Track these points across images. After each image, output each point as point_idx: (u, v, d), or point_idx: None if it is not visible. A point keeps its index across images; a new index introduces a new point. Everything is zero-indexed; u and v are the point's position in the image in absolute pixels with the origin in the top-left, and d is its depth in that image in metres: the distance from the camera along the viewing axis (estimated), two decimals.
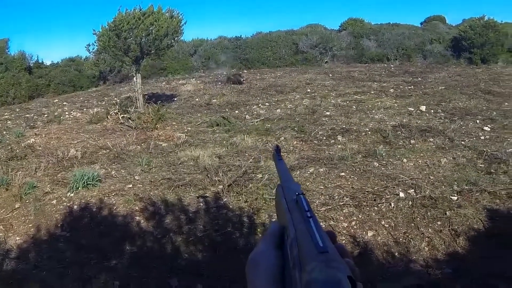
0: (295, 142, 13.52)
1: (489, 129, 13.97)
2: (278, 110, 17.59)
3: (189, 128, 15.92)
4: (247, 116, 17.16)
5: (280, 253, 1.06)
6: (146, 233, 9.63)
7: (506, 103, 16.94)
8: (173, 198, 10.63)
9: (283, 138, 13.95)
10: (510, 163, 11.32)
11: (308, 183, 10.78)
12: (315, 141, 13.45)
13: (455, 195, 10.14)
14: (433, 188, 10.40)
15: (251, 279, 1.03)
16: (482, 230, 9.26)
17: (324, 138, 13.72)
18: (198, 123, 16.60)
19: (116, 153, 13.42)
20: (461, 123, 14.68)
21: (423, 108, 16.47)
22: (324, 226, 9.09)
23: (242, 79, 22.10)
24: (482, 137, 13.28)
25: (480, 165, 11.43)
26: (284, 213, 1.13)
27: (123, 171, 12.26)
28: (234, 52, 33.22)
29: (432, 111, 16.22)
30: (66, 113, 19.46)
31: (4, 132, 16.33)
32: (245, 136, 14.24)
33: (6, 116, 19.56)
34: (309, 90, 21.04)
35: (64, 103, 22.07)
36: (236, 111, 17.95)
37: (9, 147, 14.44)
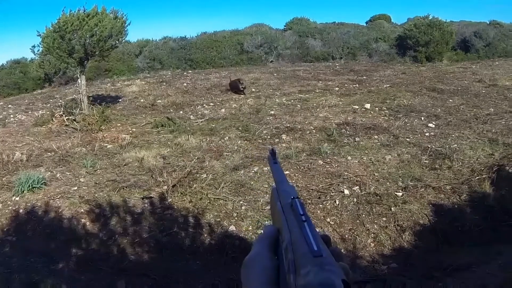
0: (239, 142, 13.42)
1: (433, 126, 14.04)
2: (223, 110, 17.45)
3: (134, 129, 15.72)
4: (191, 116, 16.98)
5: (274, 256, 1.06)
6: (92, 236, 9.52)
7: (451, 100, 17.07)
8: (118, 199, 10.48)
9: (227, 137, 13.84)
10: (454, 158, 11.39)
11: (252, 182, 10.72)
12: (260, 140, 13.37)
13: (400, 191, 10.17)
14: (378, 184, 10.43)
15: (246, 282, 1.02)
16: (427, 225, 9.32)
17: (269, 137, 13.65)
18: (143, 124, 16.37)
19: (61, 155, 13.16)
20: (406, 120, 14.74)
21: (367, 106, 16.48)
22: (268, 224, 9.03)
23: (242, 87, 20.03)
24: (427, 134, 13.34)
25: (425, 161, 11.49)
26: (279, 216, 1.12)
27: (68, 173, 12.02)
28: (179, 53, 33.06)
29: (377, 108, 16.25)
30: (11, 116, 19.03)
31: None
32: (189, 136, 14.11)
33: None
34: (253, 90, 20.93)
35: (9, 105, 21.64)
36: (181, 112, 17.75)
37: None
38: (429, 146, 12.26)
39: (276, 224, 1.15)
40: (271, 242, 1.09)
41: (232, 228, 9.36)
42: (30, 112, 19.32)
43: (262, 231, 1.07)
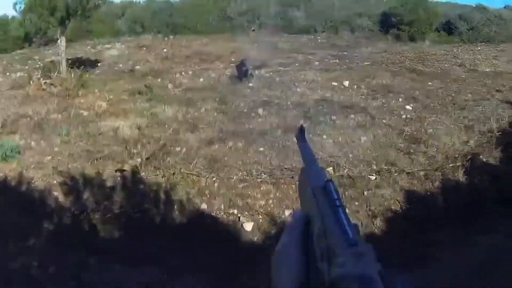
0: (215, 114, 13.34)
1: (411, 108, 14.02)
2: (201, 80, 17.34)
3: (111, 97, 15.52)
4: (169, 85, 16.84)
5: (304, 245, 1.00)
6: (64, 210, 9.43)
7: (430, 83, 17.02)
8: (91, 171, 10.39)
9: (204, 109, 13.73)
10: (429, 144, 11.37)
11: (226, 158, 10.70)
12: (236, 114, 13.27)
13: (374, 174, 10.18)
14: (352, 166, 10.42)
15: (277, 270, 1.00)
16: (399, 211, 9.31)
17: (245, 110, 13.55)
18: (120, 91, 16.18)
19: (37, 122, 12.99)
20: (384, 100, 14.70)
21: (346, 83, 16.42)
22: (241, 204, 8.99)
23: (249, 71, 17.39)
24: (404, 116, 13.33)
25: (400, 145, 11.49)
26: (309, 200, 1.04)
27: (43, 142, 11.91)
28: (161, 16, 32.71)
29: (355, 86, 16.20)
30: None
31: None
32: (166, 106, 13.98)
33: None
34: (233, 59, 20.73)
35: None
36: (159, 79, 17.58)
37: None
38: (405, 129, 12.24)
39: (305, 208, 1.08)
40: (302, 230, 1.02)
41: (203, 206, 9.31)
42: (7, 74, 19.08)
43: (291, 217, 0.94)
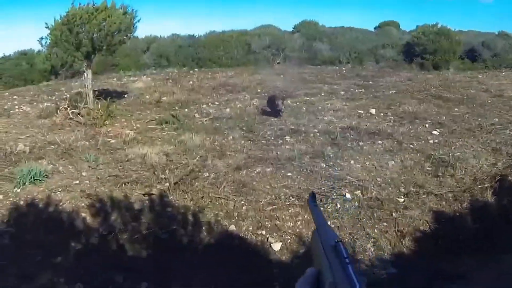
0: (243, 142, 13.39)
1: (437, 133, 14.00)
2: (228, 110, 17.41)
3: (138, 126, 15.66)
4: (196, 114, 16.93)
5: None
6: (92, 230, 9.51)
7: (456, 109, 17.00)
8: (119, 195, 10.46)
9: (231, 137, 13.81)
10: (457, 166, 11.33)
11: (254, 183, 10.70)
12: (263, 141, 13.34)
13: (402, 197, 10.17)
14: (380, 189, 10.40)
15: None
16: (428, 231, 9.30)
17: (272, 138, 13.62)
18: (147, 120, 16.30)
19: (64, 148, 13.09)
20: (410, 126, 14.69)
21: (372, 111, 16.45)
22: (269, 225, 9.03)
23: (280, 108, 16.09)
24: (431, 141, 13.31)
25: (428, 168, 11.46)
26: (320, 257, 1.16)
27: (70, 167, 11.99)
28: (186, 51, 32.93)
29: (382, 114, 16.21)
30: (16, 107, 18.94)
31: None
32: (193, 134, 14.01)
33: None
34: (259, 90, 20.98)
35: (15, 96, 21.53)
36: (186, 110, 17.69)
37: None
38: (432, 153, 12.20)
39: (316, 265, 1.19)
40: (312, 284, 1.13)
41: (232, 227, 9.35)
42: (35, 104, 19.27)
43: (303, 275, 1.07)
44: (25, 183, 10.85)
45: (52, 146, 13.38)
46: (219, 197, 10.15)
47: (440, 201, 10.06)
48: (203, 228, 9.38)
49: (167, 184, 10.65)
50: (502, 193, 10.24)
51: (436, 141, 13.34)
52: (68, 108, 16.21)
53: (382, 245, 8.89)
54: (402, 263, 8.49)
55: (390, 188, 10.49)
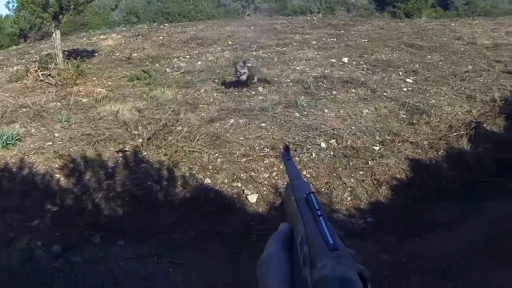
0: (215, 94, 13.25)
1: (411, 81, 13.91)
2: (199, 63, 17.23)
3: (110, 83, 15.51)
4: (167, 69, 16.79)
5: (289, 254, 1.05)
6: (67, 191, 9.51)
7: (429, 56, 16.93)
8: (92, 154, 10.43)
9: (203, 90, 13.67)
10: (432, 114, 11.30)
11: (228, 135, 10.61)
12: (236, 93, 13.19)
13: (377, 145, 10.12)
14: (355, 138, 10.34)
15: (263, 281, 1.02)
16: (404, 179, 9.30)
17: (245, 89, 13.46)
18: (119, 77, 16.14)
19: (36, 111, 12.97)
20: (384, 75, 14.60)
21: (345, 59, 16.32)
22: (244, 177, 8.95)
23: (240, 73, 13.40)
24: (405, 89, 13.23)
25: (402, 116, 11.42)
26: (293, 211, 1.11)
27: (43, 128, 11.90)
28: (155, 6, 32.62)
29: (355, 62, 16.10)
30: None
31: None
32: (165, 89, 13.88)
33: None
34: (230, 43, 20.74)
35: None
36: (157, 65, 17.54)
37: None
38: (406, 101, 12.15)
39: (289, 220, 1.14)
40: (286, 240, 1.08)
41: (207, 180, 9.30)
42: (4, 68, 18.98)
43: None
44: None
45: (24, 109, 13.26)
46: (193, 151, 10.08)
47: (416, 149, 10.05)
48: (178, 182, 9.35)
49: (140, 140, 10.58)
50: (478, 141, 10.23)
51: (410, 88, 13.28)
52: (38, 70, 16.06)
53: (359, 194, 8.89)
54: (380, 212, 8.48)
55: (365, 137, 10.43)
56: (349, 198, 8.82)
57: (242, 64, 13.16)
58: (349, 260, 0.85)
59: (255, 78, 13.75)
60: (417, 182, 9.15)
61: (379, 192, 8.95)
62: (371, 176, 9.23)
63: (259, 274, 1.03)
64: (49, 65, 16.01)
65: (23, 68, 17.68)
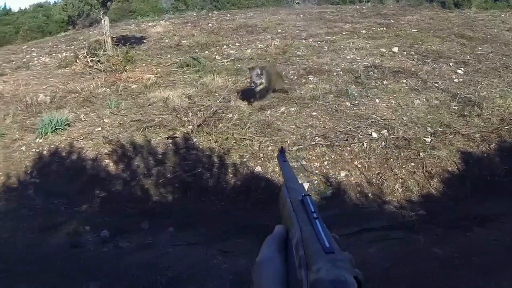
0: None
1: (462, 72, 13.75)
2: (249, 50, 17.24)
3: (159, 70, 15.59)
4: (217, 56, 16.81)
5: (284, 256, 1.07)
6: (116, 177, 9.58)
7: (480, 48, 16.68)
8: (142, 140, 10.49)
9: None
10: (484, 106, 11.16)
11: (279, 123, 10.59)
12: (286, 81, 13.10)
13: (429, 136, 10.03)
14: (407, 129, 10.26)
15: (258, 283, 1.03)
16: (456, 172, 9.20)
17: (295, 77, 13.45)
18: (168, 64, 16.22)
19: (85, 96, 13.12)
20: (434, 65, 14.43)
21: (395, 49, 16.18)
22: (295, 166, 8.94)
23: (254, 82, 11.44)
24: (456, 80, 13.08)
25: (454, 108, 11.29)
26: (288, 213, 1.13)
27: (92, 114, 12.02)
28: None
29: (405, 52, 15.93)
30: (35, 59, 18.91)
31: None
32: (215, 76, 13.93)
33: None
34: (280, 31, 20.65)
35: (33, 49, 21.43)
36: (206, 52, 17.55)
37: None
38: (458, 92, 12.00)
39: (285, 222, 1.16)
40: (281, 242, 1.10)
41: (258, 169, 9.30)
42: (53, 54, 19.18)
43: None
44: (47, 133, 10.97)
45: (73, 95, 13.42)
46: (244, 138, 10.09)
47: (468, 142, 9.94)
48: (229, 170, 9.35)
49: (191, 126, 10.58)
50: None
51: (461, 80, 13.12)
52: (87, 56, 16.20)
53: (410, 186, 8.83)
54: (431, 204, 8.42)
55: (416, 128, 10.35)
56: (400, 190, 8.76)
57: (259, 72, 11.20)
58: (345, 263, 0.88)
59: (275, 88, 12.16)
60: (468, 176, 9.05)
61: (430, 185, 8.88)
62: (423, 168, 9.15)
63: (254, 276, 1.05)
64: (98, 52, 16.17)
65: (72, 54, 17.85)
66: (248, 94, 11.98)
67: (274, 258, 1.05)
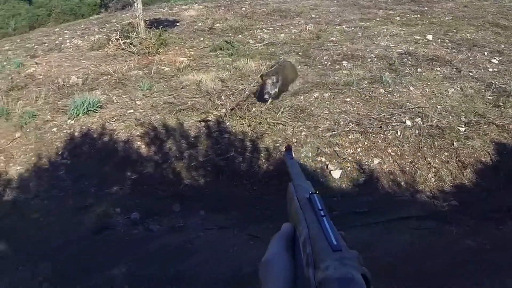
0: (299, 67, 13.15)
1: (497, 62, 13.61)
2: (282, 35, 17.12)
3: (192, 53, 15.52)
4: (250, 40, 16.74)
5: (291, 254, 1.08)
6: (147, 159, 9.63)
7: None
8: (174, 122, 10.50)
9: None
10: None
11: (313, 108, 10.57)
12: (320, 66, 13.10)
13: (463, 126, 9.96)
14: (440, 118, 10.20)
15: (265, 281, 1.05)
16: (490, 163, 9.12)
17: (329, 63, 13.37)
18: (201, 47, 16.15)
19: (118, 78, 13.15)
20: (469, 54, 14.28)
21: (429, 37, 16.05)
22: (329, 152, 8.94)
23: (267, 92, 11.40)
24: (490, 69, 12.95)
25: (488, 97, 11.18)
26: (296, 211, 1.14)
27: (124, 96, 12.07)
28: None
29: (439, 40, 15.80)
30: (67, 41, 18.84)
31: (5, 63, 15.83)
32: (248, 60, 13.89)
33: (7, 47, 18.99)
34: (313, 16, 20.43)
35: (65, 31, 21.37)
36: (240, 36, 17.48)
37: (10, 77, 14.06)
38: (492, 82, 11.87)
39: (292, 219, 1.17)
40: (288, 240, 1.11)
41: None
42: (86, 37, 19.18)
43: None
44: (78, 114, 11.01)
45: (105, 77, 13.45)
46: (277, 123, 10.09)
47: (502, 133, 9.84)
48: (262, 154, 9.35)
49: (224, 110, 10.61)
50: None
51: (495, 69, 12.98)
52: (120, 39, 16.18)
53: (443, 175, 8.79)
54: (464, 195, 8.37)
55: (450, 117, 10.28)
56: (433, 179, 8.73)
57: (274, 81, 11.20)
58: (352, 260, 0.88)
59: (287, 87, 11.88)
60: (502, 167, 8.97)
61: (463, 175, 8.83)
62: (456, 158, 9.10)
63: (261, 274, 1.07)
64: (130, 34, 16.16)
65: (104, 37, 17.87)
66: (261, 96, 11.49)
67: (281, 256, 1.07)
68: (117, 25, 19.79)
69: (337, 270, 0.85)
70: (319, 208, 1.04)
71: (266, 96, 11.02)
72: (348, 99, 10.88)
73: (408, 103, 10.71)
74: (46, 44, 18.53)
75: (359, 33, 16.67)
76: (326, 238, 0.93)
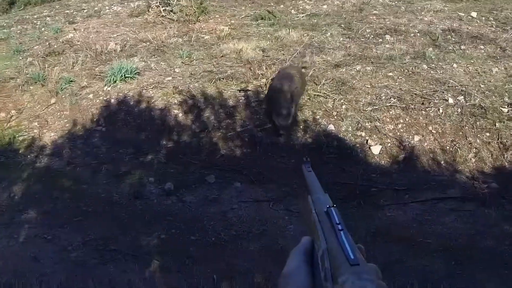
0: (341, 39, 13.08)
1: None
2: (325, 6, 16.91)
3: (233, 22, 15.49)
4: (292, 10, 16.57)
5: (310, 268, 1.08)
6: (184, 128, 9.62)
7: None
8: (213, 91, 10.49)
9: (329, 34, 13.45)
10: None
11: (354, 81, 10.48)
12: (362, 39, 12.99)
13: (506, 107, 9.81)
14: (483, 97, 10.05)
15: None
16: None
17: (372, 36, 13.24)
18: (242, 16, 16.11)
19: (157, 45, 13.16)
20: None
21: (474, 14, 15.80)
22: (369, 126, 8.88)
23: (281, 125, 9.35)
24: None
25: None
26: (314, 225, 1.14)
27: (163, 63, 12.07)
28: None
29: (483, 18, 15.53)
30: (107, 7, 18.82)
31: (43, 29, 15.95)
32: (290, 30, 13.76)
33: (45, 13, 18.94)
34: None
35: None
36: (282, 6, 17.29)
37: (47, 43, 14.13)
38: None
39: (310, 233, 1.17)
40: (307, 254, 1.11)
41: (331, 127, 9.26)
42: (125, 3, 19.13)
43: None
44: (115, 81, 11.02)
45: (144, 44, 13.43)
46: (318, 95, 10.05)
47: None
48: (301, 126, 9.30)
49: (264, 80, 10.56)
50: None
51: None
52: (160, 6, 16.15)
53: (484, 156, 8.70)
54: (504, 178, 8.29)
55: (493, 97, 10.13)
56: (473, 160, 8.64)
57: (285, 114, 9.05)
58: (370, 274, 0.88)
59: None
60: None
61: (504, 157, 8.73)
62: (498, 139, 8.99)
63: (281, 287, 1.05)
64: (171, 1, 16.11)
65: (144, 3, 17.77)
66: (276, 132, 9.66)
67: (300, 270, 1.07)
68: None
69: (354, 284, 0.85)
70: (337, 222, 1.05)
71: (282, 132, 9.33)
72: (390, 74, 10.78)
73: (451, 81, 10.56)
74: (85, 10, 18.55)
75: (403, 8, 16.48)
76: (343, 252, 0.94)
